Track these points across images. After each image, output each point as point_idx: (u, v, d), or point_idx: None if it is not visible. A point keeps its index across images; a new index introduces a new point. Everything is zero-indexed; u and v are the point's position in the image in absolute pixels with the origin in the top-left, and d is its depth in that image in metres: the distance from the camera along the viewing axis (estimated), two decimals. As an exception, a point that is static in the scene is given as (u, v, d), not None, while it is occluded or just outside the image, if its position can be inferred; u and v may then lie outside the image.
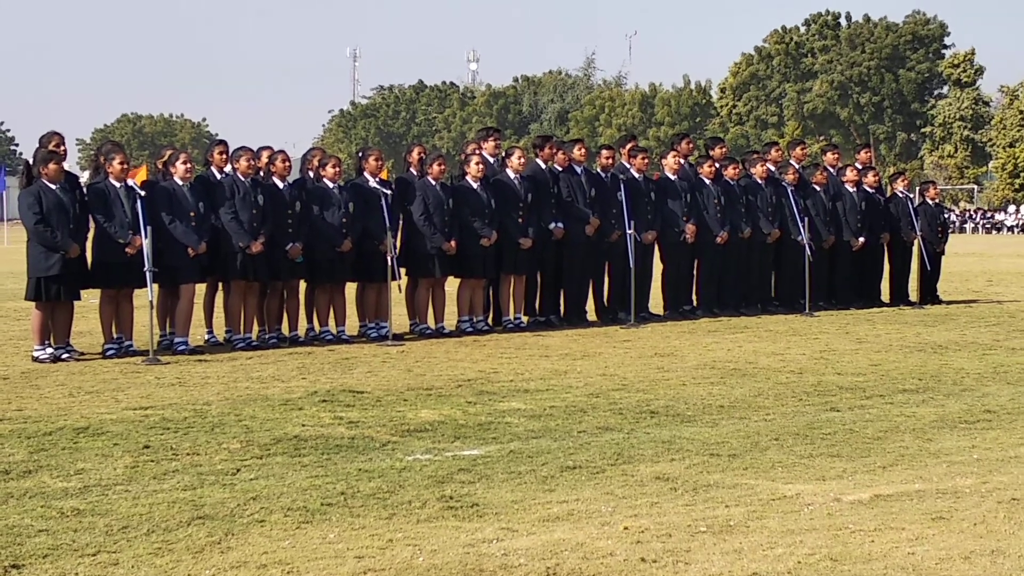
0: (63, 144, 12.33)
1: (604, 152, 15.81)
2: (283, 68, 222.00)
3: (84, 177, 14.04)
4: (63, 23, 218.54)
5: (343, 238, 13.24)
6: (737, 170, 16.63)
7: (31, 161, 12.01)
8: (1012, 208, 75.25)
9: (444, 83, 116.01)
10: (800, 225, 16.34)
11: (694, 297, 16.35)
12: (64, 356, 11.79)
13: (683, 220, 15.73)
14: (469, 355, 12.23)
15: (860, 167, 18.02)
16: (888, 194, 18.57)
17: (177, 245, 12.29)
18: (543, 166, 15.01)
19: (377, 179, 13.71)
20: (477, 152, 14.58)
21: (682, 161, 16.25)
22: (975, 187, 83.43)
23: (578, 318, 15.17)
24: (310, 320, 13.64)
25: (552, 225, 14.72)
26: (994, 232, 71.51)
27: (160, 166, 13.12)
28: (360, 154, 14.47)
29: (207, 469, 7.01)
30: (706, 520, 5.87)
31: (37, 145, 12.27)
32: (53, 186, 11.75)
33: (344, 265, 13.41)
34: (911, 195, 18.79)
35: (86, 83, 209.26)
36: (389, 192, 13.61)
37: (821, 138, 79.41)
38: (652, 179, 16.04)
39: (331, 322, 13.54)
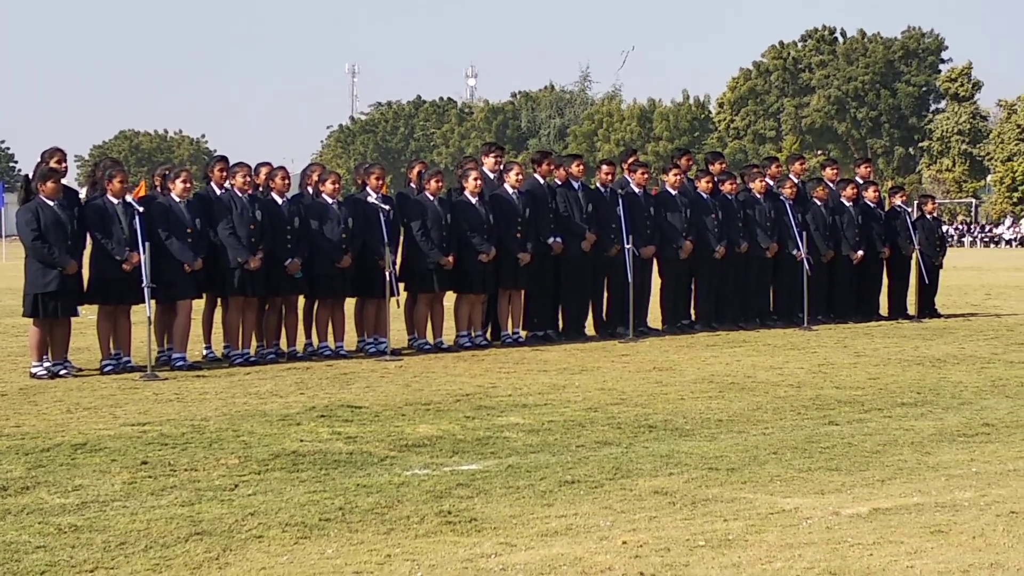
0: (64, 161, 12.32)
1: (604, 167, 15.82)
2: (282, 84, 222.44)
3: (83, 193, 14.04)
4: (62, 41, 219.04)
5: (342, 253, 13.23)
6: (735, 185, 16.64)
7: (30, 176, 12.02)
8: (1009, 221, 75.25)
9: (442, 99, 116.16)
10: (798, 239, 16.35)
11: (692, 311, 16.35)
12: (62, 372, 11.79)
13: (682, 235, 15.74)
14: (467, 370, 12.23)
15: (861, 181, 18.05)
16: (887, 208, 18.59)
17: (174, 261, 12.29)
18: (541, 181, 15.02)
19: (377, 195, 13.72)
20: (475, 167, 14.59)
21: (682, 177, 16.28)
22: (973, 201, 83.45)
23: (576, 333, 15.17)
24: (308, 335, 13.63)
25: (551, 240, 14.73)
26: (992, 246, 71.52)
27: (158, 182, 13.12)
28: (362, 169, 14.47)
29: (205, 485, 7.01)
30: (705, 534, 5.86)
31: (39, 160, 12.26)
32: (51, 202, 11.75)
33: (343, 280, 13.41)
34: (909, 209, 18.82)
35: (84, 100, 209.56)
36: (388, 208, 13.62)
37: (819, 152, 79.47)
38: (651, 194, 16.06)
39: (330, 337, 13.54)
